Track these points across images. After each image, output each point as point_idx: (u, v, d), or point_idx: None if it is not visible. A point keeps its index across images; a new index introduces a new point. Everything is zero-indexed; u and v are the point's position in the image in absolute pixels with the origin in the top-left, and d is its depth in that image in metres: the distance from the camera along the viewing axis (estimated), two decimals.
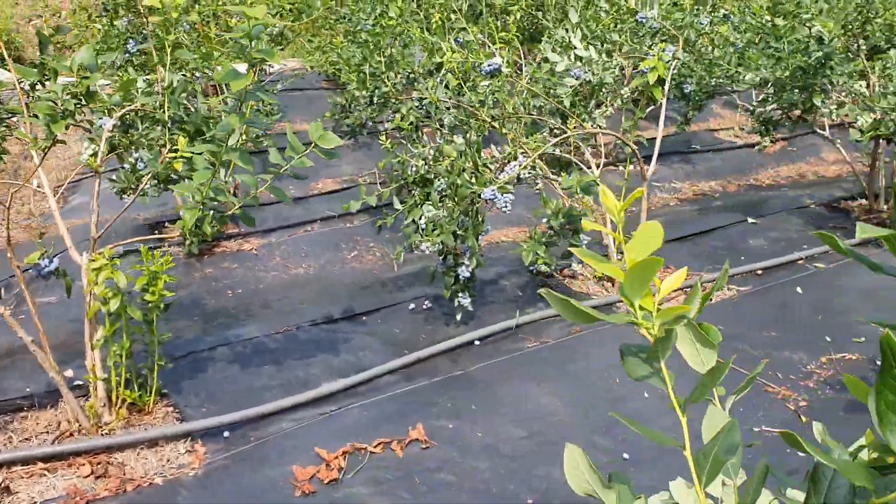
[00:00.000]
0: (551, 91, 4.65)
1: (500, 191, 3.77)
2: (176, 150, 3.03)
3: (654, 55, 4.63)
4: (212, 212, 3.07)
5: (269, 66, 7.42)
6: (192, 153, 2.92)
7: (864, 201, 6.62)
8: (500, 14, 10.75)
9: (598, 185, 3.88)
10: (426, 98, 6.62)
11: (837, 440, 1.09)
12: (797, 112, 6.00)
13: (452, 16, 7.55)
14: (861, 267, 5.66)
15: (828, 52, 5.18)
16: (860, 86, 5.48)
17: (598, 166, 4.89)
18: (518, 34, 10.46)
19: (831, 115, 5.63)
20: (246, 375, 3.78)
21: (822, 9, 5.15)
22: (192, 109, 3.72)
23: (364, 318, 4.50)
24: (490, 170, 3.89)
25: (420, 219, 4.25)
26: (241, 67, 2.89)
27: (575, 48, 4.80)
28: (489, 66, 4.07)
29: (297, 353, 4.03)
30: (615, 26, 5.03)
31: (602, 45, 4.85)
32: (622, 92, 4.62)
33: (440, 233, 3.92)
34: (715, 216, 6.42)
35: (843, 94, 5.63)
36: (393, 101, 5.92)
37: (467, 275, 4.01)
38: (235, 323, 4.38)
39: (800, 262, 5.50)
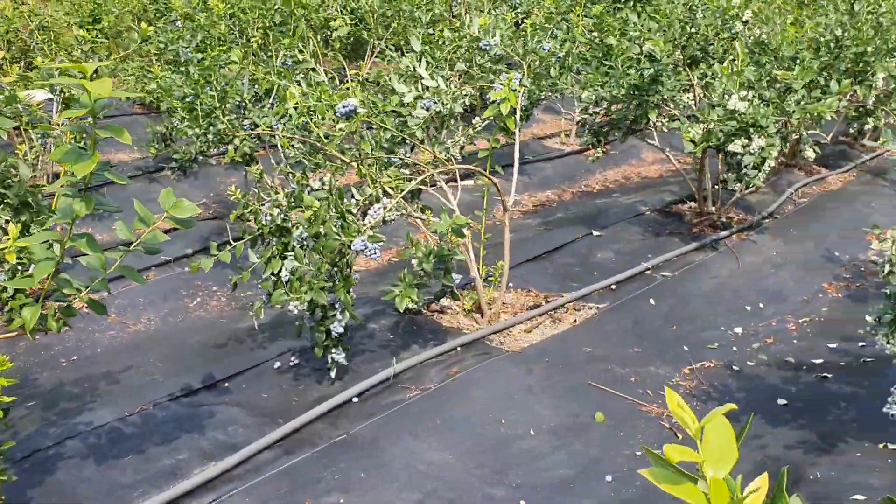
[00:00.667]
0: (401, 127, 4.50)
1: (371, 239, 3.58)
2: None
3: (502, 84, 4.60)
4: (56, 305, 2.67)
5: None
6: (28, 243, 2.51)
7: (693, 204, 7.00)
8: (320, 29, 10.49)
9: (469, 225, 3.78)
10: (260, 124, 6.27)
11: None
12: (628, 123, 6.23)
13: (278, 38, 7.22)
14: (702, 272, 5.98)
15: (659, 69, 5.39)
16: (687, 98, 5.75)
17: (453, 194, 4.80)
18: (342, 50, 10.25)
19: (663, 128, 5.88)
20: (105, 473, 3.35)
21: (651, 27, 5.35)
22: (13, 177, 3.25)
23: (227, 384, 4.15)
24: (353, 214, 3.68)
25: (280, 271, 3.97)
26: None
27: (422, 78, 4.68)
28: (344, 107, 3.86)
29: (158, 436, 3.63)
30: (458, 53, 4.96)
31: (449, 74, 4.76)
32: (474, 122, 4.55)
33: (308, 289, 3.66)
34: (560, 230, 6.54)
35: (673, 107, 5.89)
36: (226, 135, 5.55)
37: (341, 330, 3.78)
38: (81, 406, 3.90)
39: (647, 272, 5.71)
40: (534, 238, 6.42)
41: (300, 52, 6.31)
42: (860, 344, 4.86)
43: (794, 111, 5.44)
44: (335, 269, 3.71)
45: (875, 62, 6.16)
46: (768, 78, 5.70)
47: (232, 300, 5.95)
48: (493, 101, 4.49)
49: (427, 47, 5.08)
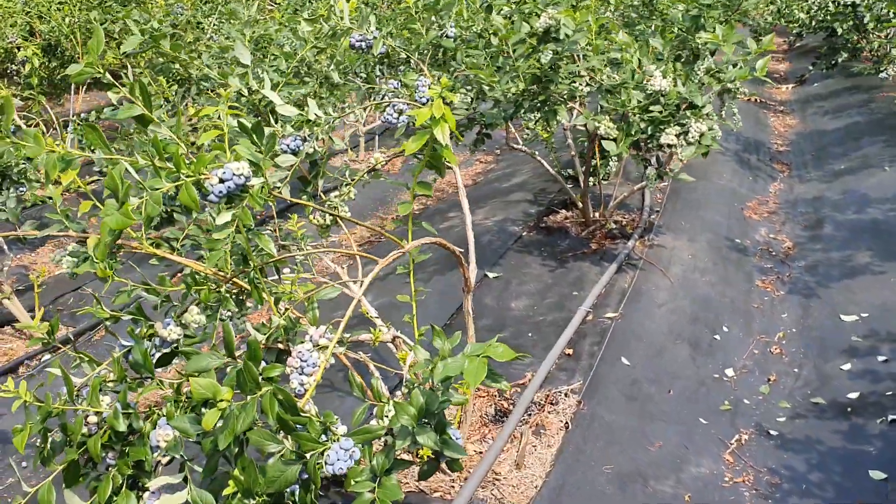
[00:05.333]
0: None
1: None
2: None
3: (421, 94, 2.93)
4: None
5: None
6: None
7: (570, 213, 5.76)
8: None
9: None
10: None
11: None
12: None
13: None
14: (644, 301, 4.72)
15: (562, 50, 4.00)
16: (581, 85, 4.42)
17: (360, 284, 3.03)
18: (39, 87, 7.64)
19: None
20: None
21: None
22: None
23: None
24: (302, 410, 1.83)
25: None
26: None
27: (274, 105, 2.85)
28: (222, 185, 1.93)
29: None
30: (316, 56, 3.15)
31: (319, 91, 2.96)
32: (365, 161, 2.84)
33: None
34: (441, 279, 4.95)
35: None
36: None
37: None
38: None
39: (588, 319, 4.33)
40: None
41: None
42: (881, 359, 3.89)
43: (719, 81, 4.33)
44: None
45: None
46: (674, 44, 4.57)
47: (6, 473, 3.64)
48: (413, 126, 2.79)
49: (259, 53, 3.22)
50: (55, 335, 2.15)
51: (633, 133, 4.27)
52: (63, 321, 5.20)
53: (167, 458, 2.06)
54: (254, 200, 1.94)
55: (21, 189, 4.69)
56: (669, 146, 4.25)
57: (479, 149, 5.20)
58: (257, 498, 1.77)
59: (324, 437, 1.84)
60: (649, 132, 4.26)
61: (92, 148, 1.83)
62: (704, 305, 4.58)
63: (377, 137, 8.40)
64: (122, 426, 1.99)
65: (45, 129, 6.75)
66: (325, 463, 1.76)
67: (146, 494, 2.04)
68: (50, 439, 2.00)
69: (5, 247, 5.29)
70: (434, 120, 2.61)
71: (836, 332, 4.19)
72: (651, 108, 4.24)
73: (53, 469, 1.98)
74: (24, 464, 3.62)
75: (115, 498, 2.04)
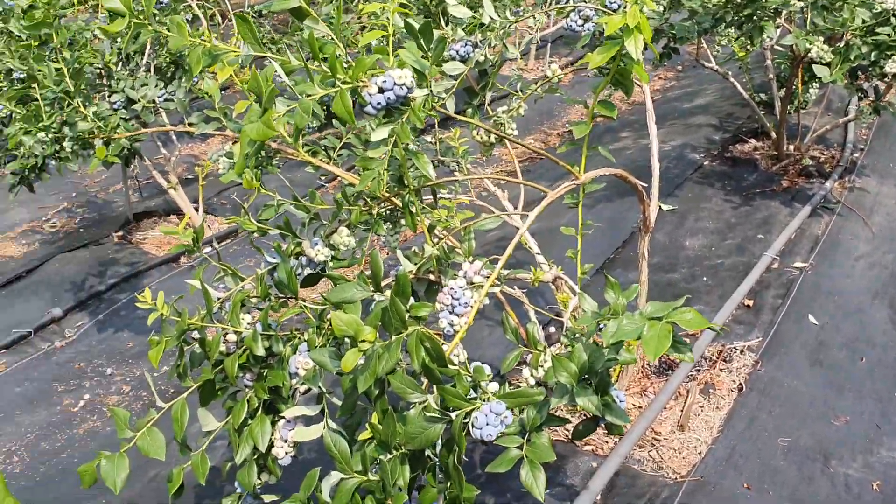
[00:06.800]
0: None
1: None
2: None
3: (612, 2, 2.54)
4: None
5: None
6: None
7: (760, 143, 5.17)
8: None
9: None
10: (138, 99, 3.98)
11: None
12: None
13: None
14: (839, 253, 4.19)
15: None
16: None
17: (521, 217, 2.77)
18: None
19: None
20: None
21: None
22: None
23: None
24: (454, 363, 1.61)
25: (270, 445, 1.90)
26: None
27: (446, 4, 2.55)
28: (381, 95, 1.67)
29: None
30: None
31: None
32: (535, 71, 2.46)
33: None
34: (608, 206, 4.59)
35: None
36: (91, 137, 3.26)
37: None
38: None
39: (773, 266, 3.86)
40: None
41: None
42: None
43: None
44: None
45: None
46: None
47: (141, 386, 3.77)
48: (602, 36, 2.42)
49: None
50: (200, 242, 2.03)
51: (851, 58, 3.66)
52: (225, 214, 5.28)
53: (305, 387, 1.92)
54: (415, 115, 1.68)
55: (194, 80, 4.68)
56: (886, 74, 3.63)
57: (661, 64, 4.71)
58: (394, 452, 1.58)
59: (472, 394, 1.62)
60: (872, 58, 3.64)
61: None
62: None
63: (549, 45, 7.91)
64: (260, 350, 1.85)
65: (220, 20, 6.77)
66: (472, 426, 1.54)
67: (281, 422, 1.91)
68: (187, 355, 1.90)
69: (174, 137, 5.38)
70: (626, 30, 2.25)
71: None
72: (878, 29, 3.60)
73: (188, 385, 1.88)
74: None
75: (249, 421, 1.93)
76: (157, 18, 1.72)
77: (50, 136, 3.12)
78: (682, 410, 2.84)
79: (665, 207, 4.23)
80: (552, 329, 3.44)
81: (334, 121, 2.49)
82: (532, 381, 2.06)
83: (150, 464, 2.95)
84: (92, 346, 4.03)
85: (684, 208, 4.39)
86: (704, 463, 2.65)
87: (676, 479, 2.60)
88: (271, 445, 1.92)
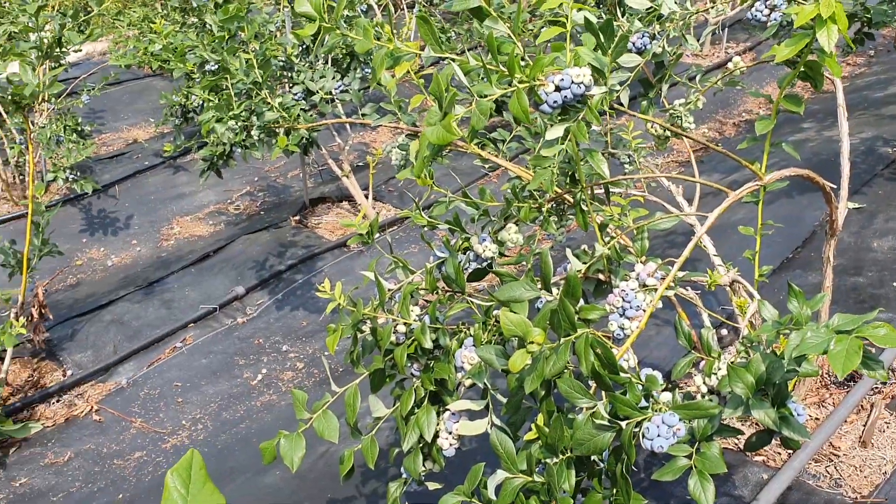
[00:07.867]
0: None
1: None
2: None
3: None
4: None
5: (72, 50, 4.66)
6: None
7: None
8: None
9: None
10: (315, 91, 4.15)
11: None
12: None
13: None
14: None
15: None
16: None
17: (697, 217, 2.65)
18: None
19: None
20: None
21: None
22: None
23: None
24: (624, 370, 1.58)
25: (436, 434, 1.94)
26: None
27: None
28: (557, 94, 1.65)
29: None
30: None
31: None
32: (710, 58, 2.33)
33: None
34: (786, 202, 4.33)
35: None
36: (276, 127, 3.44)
37: None
38: None
39: None
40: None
41: None
42: None
43: None
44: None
45: None
46: None
47: (313, 363, 3.96)
48: (790, 26, 2.26)
49: None
50: (374, 235, 2.10)
51: None
52: (392, 201, 5.44)
53: (470, 381, 1.95)
54: (591, 113, 1.65)
55: (366, 70, 4.84)
56: None
57: (853, 51, 4.37)
58: (560, 456, 1.58)
59: (643, 403, 1.58)
60: None
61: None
62: None
63: (727, 29, 7.54)
64: (428, 342, 1.90)
65: (392, 10, 6.94)
66: (643, 436, 1.50)
67: (446, 414, 1.96)
68: (360, 342, 1.97)
69: (347, 126, 5.59)
70: (819, 20, 2.09)
71: None
72: None
73: (361, 372, 1.96)
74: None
75: (416, 410, 1.99)
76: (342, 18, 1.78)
77: (239, 124, 3.34)
78: (864, 425, 2.64)
79: (851, 205, 3.95)
80: (724, 331, 3.30)
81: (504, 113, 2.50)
82: (704, 389, 1.99)
83: (320, 441, 3.11)
84: (270, 324, 4.28)
85: (873, 207, 4.06)
86: (890, 484, 2.46)
87: (857, 498, 2.43)
88: (436, 435, 1.97)
